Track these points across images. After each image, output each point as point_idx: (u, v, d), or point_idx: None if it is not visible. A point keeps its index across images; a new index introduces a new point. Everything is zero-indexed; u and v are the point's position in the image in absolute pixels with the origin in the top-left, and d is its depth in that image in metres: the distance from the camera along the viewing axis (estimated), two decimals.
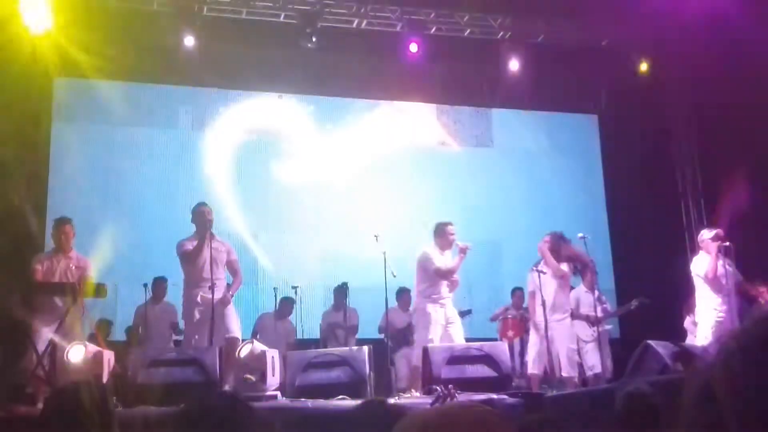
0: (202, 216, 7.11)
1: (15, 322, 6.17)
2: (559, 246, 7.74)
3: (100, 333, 7.28)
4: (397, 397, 6.40)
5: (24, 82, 9.26)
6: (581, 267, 8.29)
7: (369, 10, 10.30)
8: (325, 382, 6.19)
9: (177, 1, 9.77)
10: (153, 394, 5.50)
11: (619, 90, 11.57)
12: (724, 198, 8.94)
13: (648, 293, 9.04)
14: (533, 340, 7.89)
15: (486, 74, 11.55)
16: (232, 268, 7.30)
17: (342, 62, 10.90)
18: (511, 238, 10.80)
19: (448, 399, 5.34)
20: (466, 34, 10.78)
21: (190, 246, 7.06)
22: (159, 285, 8.80)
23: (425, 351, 6.77)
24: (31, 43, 9.11)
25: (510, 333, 9.12)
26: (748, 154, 9.35)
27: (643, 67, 10.99)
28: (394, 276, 7.44)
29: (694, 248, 7.75)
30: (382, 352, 7.76)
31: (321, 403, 5.53)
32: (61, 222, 7.03)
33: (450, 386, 5.56)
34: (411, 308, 7.69)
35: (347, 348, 7.51)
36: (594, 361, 8.13)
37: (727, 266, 7.31)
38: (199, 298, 6.95)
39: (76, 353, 5.81)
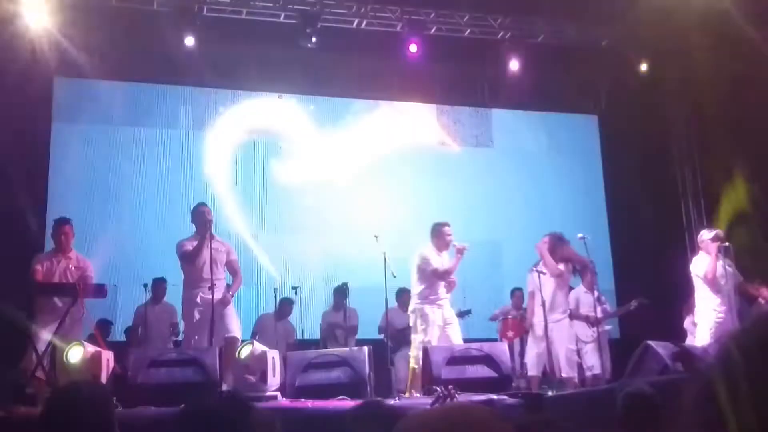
0: (201, 216, 7.11)
1: (15, 322, 6.16)
2: (557, 247, 7.75)
3: (100, 333, 7.27)
4: (397, 398, 6.40)
5: (24, 82, 9.26)
6: (581, 267, 8.30)
7: (369, 10, 10.31)
8: (325, 383, 6.19)
9: (177, 1, 9.77)
10: (153, 394, 5.50)
11: (619, 90, 11.58)
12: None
13: (648, 293, 9.04)
14: (531, 342, 7.90)
15: (486, 74, 11.56)
16: (232, 268, 7.29)
17: (342, 62, 10.90)
18: (511, 238, 10.80)
19: (448, 399, 5.34)
20: (466, 34, 10.78)
21: (189, 246, 7.06)
22: (159, 285, 8.80)
23: (425, 351, 6.78)
24: (30, 42, 9.12)
25: (510, 333, 9.12)
26: (748, 154, 9.35)
27: (643, 67, 11.00)
28: (394, 276, 7.44)
29: (694, 248, 7.75)
30: (382, 352, 7.76)
31: (321, 403, 5.53)
32: (61, 222, 7.03)
33: (450, 387, 5.56)
34: (409, 309, 7.68)
35: (347, 348, 7.51)
36: (593, 362, 8.12)
37: (726, 267, 7.31)
38: (198, 299, 6.95)
39: (75, 353, 5.81)
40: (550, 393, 6.52)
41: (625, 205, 11.35)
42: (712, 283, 7.27)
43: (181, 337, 7.82)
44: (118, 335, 8.98)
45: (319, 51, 10.22)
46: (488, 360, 6.53)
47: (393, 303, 8.05)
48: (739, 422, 0.84)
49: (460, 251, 7.35)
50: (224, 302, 6.96)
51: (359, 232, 9.50)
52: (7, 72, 8.96)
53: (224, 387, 5.98)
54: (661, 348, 5.98)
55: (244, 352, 6.19)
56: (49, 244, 7.27)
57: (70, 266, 6.85)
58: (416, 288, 7.44)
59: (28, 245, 8.07)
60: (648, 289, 9.33)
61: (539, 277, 7.59)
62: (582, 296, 8.53)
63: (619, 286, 11.04)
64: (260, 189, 10.58)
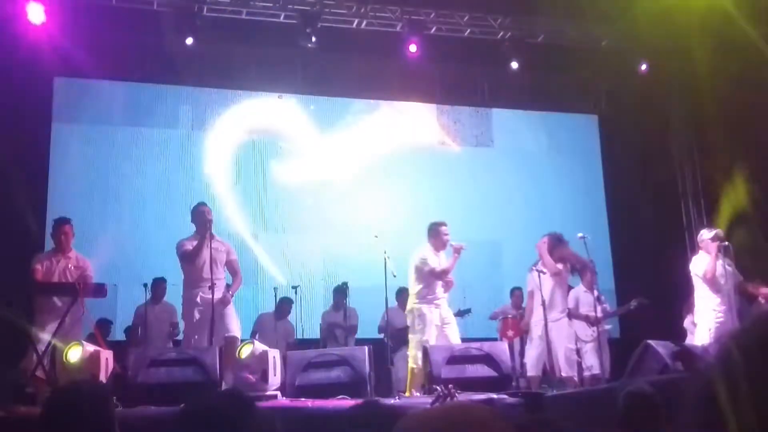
0: (201, 216, 7.11)
1: (15, 323, 6.16)
2: (556, 247, 7.75)
3: (100, 333, 7.27)
4: (397, 397, 6.40)
5: (24, 82, 9.27)
6: (580, 267, 8.30)
7: (369, 10, 10.31)
8: (325, 382, 6.19)
9: (177, 1, 9.77)
10: (153, 393, 5.51)
11: (619, 90, 11.58)
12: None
13: (648, 293, 9.03)
14: (530, 342, 7.90)
15: (486, 74, 11.57)
16: (231, 268, 7.30)
17: (342, 62, 10.91)
18: (511, 238, 10.80)
19: (448, 399, 5.34)
20: (466, 34, 10.78)
21: (189, 246, 7.06)
22: (158, 285, 8.80)
23: (425, 350, 6.78)
24: (30, 42, 9.12)
25: (510, 333, 9.12)
26: (748, 154, 9.34)
27: (643, 67, 11.00)
28: (395, 276, 7.45)
29: (694, 248, 7.75)
30: (382, 352, 7.76)
31: (321, 402, 5.53)
32: (61, 222, 7.03)
33: (450, 386, 5.56)
34: (407, 309, 7.69)
35: (347, 348, 7.51)
36: (592, 362, 8.12)
37: (726, 266, 7.31)
38: (198, 298, 6.95)
39: (75, 353, 5.81)
40: (550, 392, 6.51)
41: (624, 205, 11.35)
42: (712, 282, 7.27)
43: (181, 337, 7.82)
44: (118, 335, 8.99)
45: (319, 51, 10.23)
46: (488, 359, 6.53)
47: (393, 302, 8.06)
48: (739, 422, 0.84)
49: (458, 251, 7.35)
50: (224, 302, 6.96)
51: (359, 232, 9.51)
52: (8, 72, 8.96)
53: (224, 386, 5.98)
54: (661, 347, 5.99)
55: (245, 351, 6.19)
56: (49, 244, 7.28)
57: (70, 266, 6.86)
58: (414, 288, 7.45)
59: (28, 245, 8.06)
60: (648, 289, 9.33)
61: (539, 276, 7.60)
62: (582, 296, 8.53)
63: (619, 286, 11.04)
64: (260, 189, 10.58)
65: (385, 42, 10.49)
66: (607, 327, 8.86)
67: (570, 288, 8.33)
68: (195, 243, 7.04)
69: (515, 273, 9.33)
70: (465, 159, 11.45)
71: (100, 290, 6.43)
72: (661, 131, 11.59)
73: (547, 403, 5.56)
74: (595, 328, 8.12)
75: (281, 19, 10.21)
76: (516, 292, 9.46)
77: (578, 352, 7.79)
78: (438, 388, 5.63)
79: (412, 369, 7.25)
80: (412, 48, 10.34)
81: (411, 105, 11.41)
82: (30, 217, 8.82)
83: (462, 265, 8.23)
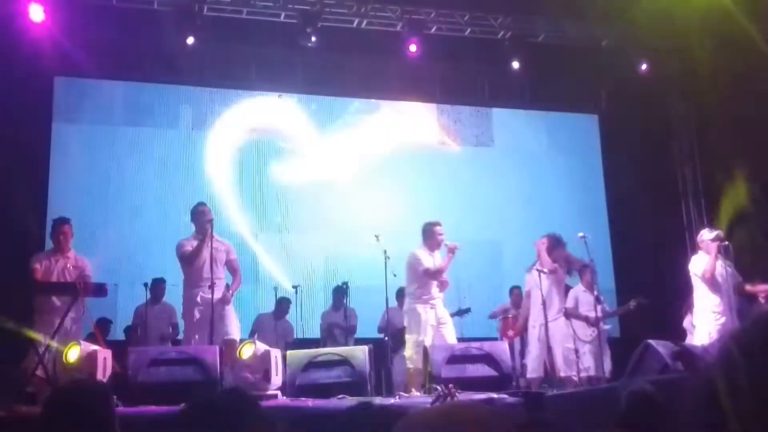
0: (201, 216, 7.12)
1: (16, 321, 6.16)
2: (554, 248, 7.76)
3: (100, 332, 7.27)
4: (397, 397, 6.40)
5: (24, 82, 9.27)
6: (580, 267, 8.30)
7: (369, 9, 10.31)
8: (326, 382, 6.19)
9: (177, 0, 9.77)
10: (153, 393, 5.51)
11: (619, 90, 11.58)
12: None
13: (648, 293, 9.03)
14: (530, 343, 7.91)
15: (486, 74, 11.57)
16: (231, 267, 7.30)
17: (342, 62, 10.91)
18: (511, 238, 10.80)
19: (449, 398, 5.34)
20: (466, 33, 10.78)
21: (189, 247, 7.06)
22: (158, 286, 8.81)
23: (425, 350, 6.79)
24: (31, 42, 9.12)
25: (510, 332, 9.12)
26: (748, 154, 9.34)
27: (644, 66, 10.99)
28: (395, 276, 7.45)
29: (695, 248, 7.74)
30: (382, 352, 7.76)
31: (321, 402, 5.53)
32: (60, 222, 7.04)
33: (450, 385, 5.56)
34: (403, 309, 7.70)
35: (348, 347, 7.52)
36: (590, 363, 8.11)
37: (726, 267, 7.30)
38: (199, 298, 6.95)
39: (73, 353, 5.81)
40: (550, 392, 6.51)
41: (625, 205, 11.35)
42: (711, 282, 7.26)
43: (181, 336, 7.82)
44: (119, 334, 8.99)
45: (320, 51, 10.23)
46: (488, 359, 6.54)
47: (393, 302, 8.05)
48: (739, 421, 0.84)
49: (452, 250, 7.36)
50: (224, 301, 6.96)
51: (359, 232, 9.50)
52: (8, 71, 8.96)
53: (224, 386, 5.98)
54: (661, 347, 5.98)
55: (246, 351, 6.18)
56: (49, 244, 7.28)
57: (68, 266, 6.86)
58: (409, 288, 7.47)
59: (28, 245, 8.06)
60: (648, 289, 9.33)
61: (539, 276, 7.59)
62: (581, 295, 8.53)
63: (619, 285, 11.04)
64: (260, 188, 10.58)
65: (386, 41, 10.49)
66: (606, 327, 8.86)
67: (568, 288, 8.33)
68: (194, 244, 7.05)
69: (515, 272, 9.32)
70: (465, 159, 11.45)
71: (100, 290, 6.43)
72: (662, 131, 11.59)
73: (548, 403, 5.56)
74: (594, 328, 8.12)
75: (281, 18, 10.22)
76: (515, 291, 9.46)
77: (576, 352, 7.78)
78: (438, 387, 5.64)
79: (409, 369, 7.26)
80: (412, 47, 10.34)
81: (411, 104, 11.40)
82: (30, 217, 8.83)
83: (462, 264, 8.25)
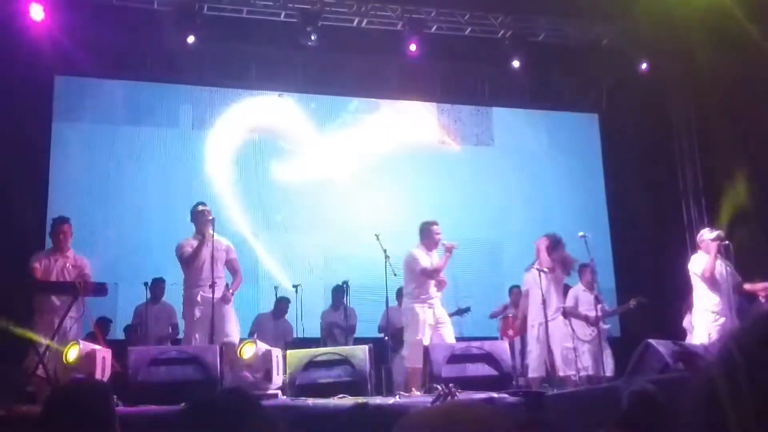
0: (201, 216, 7.12)
1: (16, 322, 6.17)
2: (554, 249, 7.76)
3: (100, 331, 7.27)
4: (397, 396, 6.40)
5: (24, 81, 9.27)
6: (580, 267, 8.31)
7: (369, 8, 10.30)
8: (326, 381, 6.19)
9: None
10: (153, 392, 5.51)
11: (619, 89, 11.57)
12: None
13: (648, 292, 9.04)
14: (529, 342, 7.91)
15: (486, 73, 11.56)
16: (231, 267, 7.30)
17: (342, 61, 10.91)
18: (511, 237, 10.80)
19: (449, 398, 5.34)
20: (466, 32, 10.78)
21: (189, 248, 7.06)
22: (157, 286, 8.81)
23: (426, 350, 6.79)
24: (31, 41, 9.12)
25: (510, 332, 9.12)
26: (748, 153, 9.35)
27: (644, 66, 10.99)
28: (395, 275, 7.45)
29: (695, 247, 7.74)
30: (382, 351, 7.77)
31: (321, 401, 5.53)
32: (60, 221, 7.04)
33: (450, 385, 5.56)
34: (402, 309, 7.70)
35: (348, 347, 7.52)
36: (589, 362, 8.12)
37: (726, 267, 7.29)
38: (199, 297, 6.95)
39: (73, 352, 5.82)
40: (550, 391, 6.51)
41: (625, 204, 11.35)
42: (711, 281, 7.25)
43: (181, 336, 7.82)
44: (119, 334, 8.99)
45: (320, 50, 10.23)
46: (489, 358, 6.54)
47: (393, 302, 8.05)
48: (740, 421, 0.84)
49: (449, 250, 7.37)
50: (225, 300, 6.97)
51: (360, 231, 9.50)
52: (8, 70, 8.97)
53: (225, 386, 5.98)
54: (661, 346, 5.98)
55: (247, 351, 6.18)
56: (50, 243, 7.28)
57: (68, 265, 6.87)
58: (407, 288, 7.47)
59: (29, 244, 8.06)
60: (648, 288, 9.33)
61: (540, 275, 7.59)
62: (581, 295, 8.53)
63: (619, 285, 11.04)
64: (261, 188, 10.58)
65: (386, 41, 10.49)
66: (606, 326, 8.87)
67: (567, 287, 8.33)
68: (194, 244, 7.05)
69: (515, 272, 9.32)
70: (465, 158, 11.45)
71: (101, 289, 6.44)
72: (662, 130, 11.59)
73: (548, 403, 5.56)
74: (594, 328, 8.12)
75: (282, 17, 10.21)
76: (515, 290, 9.45)
77: (575, 351, 7.78)
78: (438, 387, 5.64)
79: (408, 369, 7.26)
80: (413, 47, 10.34)
81: (411, 104, 11.40)
82: (30, 216, 8.84)
83: (462, 264, 8.25)
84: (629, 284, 10.53)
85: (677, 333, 8.20)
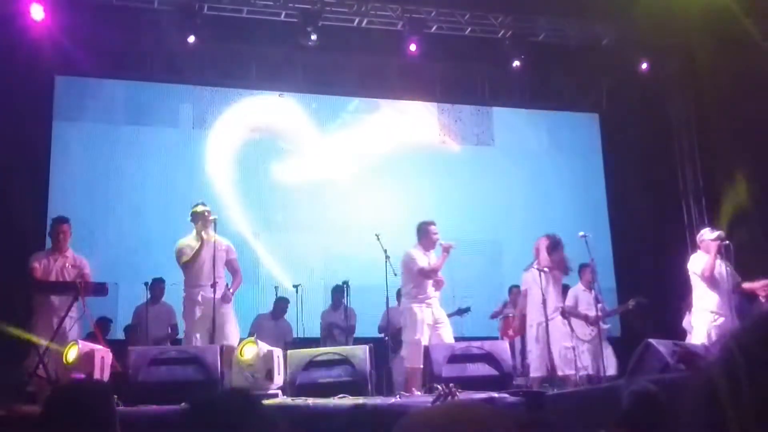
0: (200, 216, 7.11)
1: (16, 323, 6.18)
2: (553, 250, 7.77)
3: (100, 331, 7.27)
4: (398, 396, 6.40)
5: (25, 81, 9.27)
6: (580, 266, 8.31)
7: (369, 8, 10.30)
8: (326, 381, 6.19)
9: None
10: (154, 392, 5.51)
11: (620, 88, 11.58)
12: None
13: (648, 292, 9.04)
14: (529, 342, 7.92)
15: (487, 73, 11.56)
16: (231, 267, 7.30)
17: (342, 61, 10.91)
18: (512, 237, 10.79)
19: (449, 397, 5.34)
20: (467, 32, 10.77)
21: (188, 251, 7.06)
22: (157, 286, 8.81)
23: (426, 350, 6.79)
24: (31, 41, 9.12)
25: (510, 332, 9.12)
26: (749, 153, 9.34)
27: (644, 65, 10.99)
28: (396, 275, 7.45)
29: (695, 247, 7.74)
30: (383, 351, 7.76)
31: (322, 401, 5.53)
32: (59, 221, 7.04)
33: (451, 385, 5.56)
34: (400, 309, 7.70)
35: (348, 347, 7.52)
36: (588, 362, 8.12)
37: (726, 267, 7.29)
38: (200, 297, 6.96)
39: (72, 352, 5.82)
40: (551, 391, 6.51)
41: (625, 204, 11.35)
42: (710, 280, 7.24)
43: (181, 336, 7.82)
44: (119, 333, 8.99)
45: (320, 50, 10.22)
46: (489, 358, 6.54)
47: (393, 302, 8.06)
48: (740, 421, 0.84)
49: (447, 249, 7.38)
50: (225, 299, 6.97)
51: (360, 231, 9.50)
52: (8, 70, 8.97)
53: (225, 385, 5.97)
54: (662, 346, 5.98)
55: (248, 351, 6.17)
56: (49, 243, 7.28)
57: (67, 265, 6.87)
58: (405, 288, 7.48)
59: (29, 244, 8.07)
60: (649, 288, 9.33)
61: (540, 275, 7.59)
62: (580, 294, 8.53)
63: (620, 285, 11.04)
64: (261, 187, 10.58)
65: (386, 40, 10.49)
66: (606, 326, 8.87)
67: (565, 287, 8.33)
68: (193, 245, 7.04)
69: (515, 272, 9.31)
70: (466, 158, 11.45)
71: (101, 289, 6.45)
72: (662, 129, 11.59)
73: (548, 402, 5.56)
74: (593, 327, 8.12)
75: (282, 17, 10.21)
76: (514, 290, 9.45)
77: (573, 350, 7.78)
78: (439, 387, 5.63)
79: (407, 369, 7.27)
80: (413, 47, 10.33)
81: (411, 104, 11.40)
82: (30, 216, 8.84)
83: (462, 264, 8.22)
84: (629, 284, 10.52)
85: (677, 333, 8.20)
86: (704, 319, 7.24)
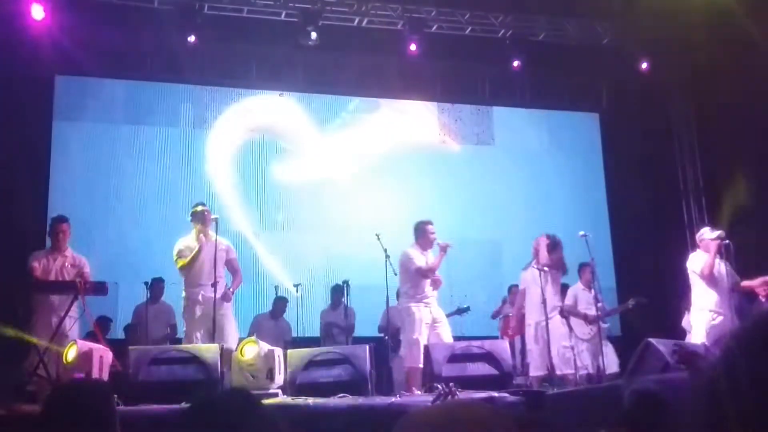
0: (200, 216, 7.11)
1: (16, 324, 6.18)
2: (554, 249, 7.77)
3: (100, 330, 7.27)
4: (398, 396, 6.40)
5: (25, 80, 9.27)
6: (580, 265, 8.31)
7: (370, 8, 10.30)
8: (326, 381, 6.19)
9: None
10: (154, 391, 5.51)
11: (620, 88, 11.58)
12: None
13: (648, 291, 9.04)
14: (528, 342, 7.92)
15: (487, 72, 11.56)
16: (231, 267, 7.30)
17: (343, 60, 10.91)
18: (512, 237, 10.78)
19: (449, 397, 5.34)
20: (467, 32, 10.77)
21: (187, 253, 7.05)
22: (156, 285, 8.81)
23: (426, 349, 6.79)
24: (32, 40, 9.12)
25: (510, 331, 9.12)
26: (749, 152, 9.34)
27: (644, 65, 10.99)
28: (396, 274, 7.45)
29: (695, 246, 7.73)
30: (383, 351, 7.76)
31: (322, 401, 5.53)
32: (58, 220, 7.04)
33: (451, 384, 5.56)
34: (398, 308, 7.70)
35: (348, 346, 7.51)
36: (588, 361, 8.12)
37: (725, 266, 7.28)
38: (200, 297, 6.95)
39: (71, 352, 5.83)
40: (551, 390, 6.51)
41: (626, 203, 11.35)
42: (709, 278, 7.23)
43: (180, 335, 7.82)
44: (119, 333, 8.99)
45: (320, 49, 10.22)
46: (489, 357, 6.54)
47: (394, 302, 8.06)
48: (741, 421, 0.84)
49: (444, 249, 7.39)
50: (226, 298, 6.97)
51: (360, 230, 9.50)
52: (9, 70, 8.97)
53: (225, 385, 5.97)
54: (662, 345, 5.97)
55: (248, 351, 6.17)
56: (49, 242, 7.28)
57: (66, 264, 6.87)
58: (402, 287, 7.49)
59: (29, 243, 8.07)
60: (648, 287, 9.33)
61: (540, 274, 7.59)
62: (580, 293, 8.53)
63: (620, 284, 11.04)
64: (261, 187, 10.58)
65: (386, 40, 10.49)
66: (605, 325, 8.87)
67: (565, 286, 8.33)
68: (192, 246, 7.04)
69: (515, 272, 9.32)
70: (466, 157, 11.45)
71: (101, 288, 6.45)
72: (662, 129, 11.59)
73: (548, 402, 5.56)
74: (592, 327, 8.12)
75: (282, 17, 10.22)
76: (514, 289, 9.45)
77: (572, 349, 7.78)
78: (439, 386, 5.63)
79: (406, 368, 7.27)
80: (413, 46, 10.34)
81: (411, 103, 11.40)
82: (31, 216, 8.84)
83: (462, 264, 8.20)
84: (629, 284, 10.52)
85: (677, 332, 8.20)
86: (703, 318, 7.24)
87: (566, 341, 7.73)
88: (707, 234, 7.41)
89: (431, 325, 7.28)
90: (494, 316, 9.77)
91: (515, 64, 10.77)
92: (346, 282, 9.01)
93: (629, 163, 11.36)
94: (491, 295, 10.18)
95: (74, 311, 6.51)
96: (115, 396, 3.45)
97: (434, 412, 1.15)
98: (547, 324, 7.42)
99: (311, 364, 6.37)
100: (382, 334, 8.64)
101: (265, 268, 10.21)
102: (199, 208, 7.22)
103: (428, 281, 7.40)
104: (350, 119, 11.15)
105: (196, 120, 10.59)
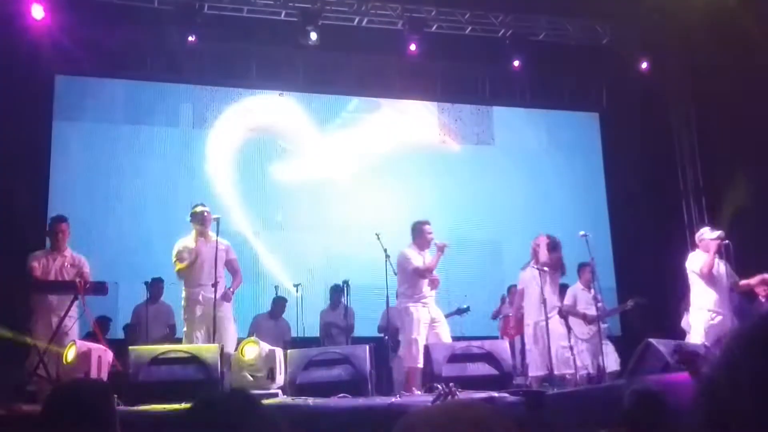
0: (200, 217, 7.11)
1: (15, 326, 6.18)
2: (553, 249, 7.77)
3: (100, 330, 7.27)
4: (398, 395, 6.40)
5: (25, 80, 9.27)
6: (579, 265, 8.31)
7: (370, 7, 10.31)
8: (326, 381, 6.19)
9: None
10: (154, 391, 5.51)
11: (620, 88, 11.57)
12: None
13: (648, 292, 9.03)
14: (527, 342, 7.92)
15: (487, 72, 11.56)
16: (231, 267, 7.29)
17: (342, 60, 10.91)
18: (512, 237, 10.78)
19: (449, 397, 5.34)
20: (467, 31, 10.77)
21: (186, 254, 7.05)
22: (156, 285, 8.81)
23: (426, 349, 6.79)
24: (32, 40, 9.12)
25: (511, 331, 9.12)
26: (749, 152, 9.34)
27: (644, 65, 10.99)
28: (396, 274, 7.45)
29: (695, 246, 7.73)
30: (383, 351, 7.76)
31: (322, 401, 5.53)
32: (57, 220, 7.04)
33: (451, 384, 5.56)
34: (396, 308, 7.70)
35: (349, 346, 7.51)
36: (587, 361, 8.12)
37: (724, 265, 7.28)
38: (200, 297, 6.95)
39: (71, 352, 5.82)
40: (551, 390, 6.51)
41: (626, 203, 11.35)
42: (708, 277, 7.23)
43: (180, 335, 7.82)
44: (119, 332, 8.99)
45: (320, 49, 10.22)
46: (489, 357, 6.54)
47: (394, 301, 8.05)
48: (741, 421, 0.84)
49: (441, 249, 7.39)
50: (226, 298, 6.97)
51: (360, 231, 9.50)
52: (9, 70, 8.97)
53: (225, 385, 5.97)
54: (662, 345, 5.98)
55: (249, 351, 6.17)
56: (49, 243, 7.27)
57: (66, 264, 6.86)
58: (400, 287, 7.49)
59: (29, 243, 8.06)
60: (648, 288, 9.32)
61: (540, 274, 7.59)
62: (579, 293, 8.53)
63: (620, 284, 11.03)
64: (261, 187, 10.58)
65: (386, 40, 10.49)
66: (605, 325, 8.87)
67: (564, 286, 8.33)
68: (191, 248, 7.03)
69: (515, 272, 9.32)
70: (466, 157, 11.45)
71: (100, 288, 6.44)
72: (663, 129, 11.59)
73: (548, 402, 5.56)
74: (591, 327, 8.12)
75: (282, 16, 10.22)
76: (513, 289, 9.45)
77: (571, 349, 7.78)
78: (439, 386, 5.63)
79: (405, 368, 7.28)
80: (413, 46, 10.34)
81: (411, 103, 11.40)
82: (30, 216, 8.84)
83: (462, 263, 8.20)
84: (629, 284, 10.52)
85: (677, 332, 8.19)
86: (702, 318, 7.23)
87: (564, 341, 7.73)
88: (707, 234, 7.41)
89: (430, 324, 7.28)
90: (494, 317, 9.77)
91: (515, 63, 10.76)
92: (345, 282, 9.00)
93: (629, 163, 11.36)
94: (491, 295, 10.18)
95: (74, 311, 6.51)
96: (115, 396, 3.45)
97: (434, 412, 1.15)
98: (546, 324, 7.42)
99: (311, 364, 6.37)
100: (381, 334, 8.64)
101: (265, 268, 10.21)
102: (199, 208, 7.22)
103: (426, 281, 7.40)
104: (350, 119, 11.15)
105: (196, 120, 10.59)
